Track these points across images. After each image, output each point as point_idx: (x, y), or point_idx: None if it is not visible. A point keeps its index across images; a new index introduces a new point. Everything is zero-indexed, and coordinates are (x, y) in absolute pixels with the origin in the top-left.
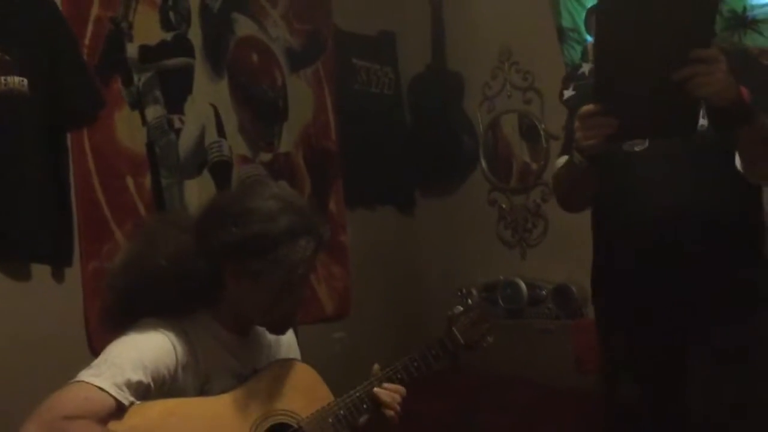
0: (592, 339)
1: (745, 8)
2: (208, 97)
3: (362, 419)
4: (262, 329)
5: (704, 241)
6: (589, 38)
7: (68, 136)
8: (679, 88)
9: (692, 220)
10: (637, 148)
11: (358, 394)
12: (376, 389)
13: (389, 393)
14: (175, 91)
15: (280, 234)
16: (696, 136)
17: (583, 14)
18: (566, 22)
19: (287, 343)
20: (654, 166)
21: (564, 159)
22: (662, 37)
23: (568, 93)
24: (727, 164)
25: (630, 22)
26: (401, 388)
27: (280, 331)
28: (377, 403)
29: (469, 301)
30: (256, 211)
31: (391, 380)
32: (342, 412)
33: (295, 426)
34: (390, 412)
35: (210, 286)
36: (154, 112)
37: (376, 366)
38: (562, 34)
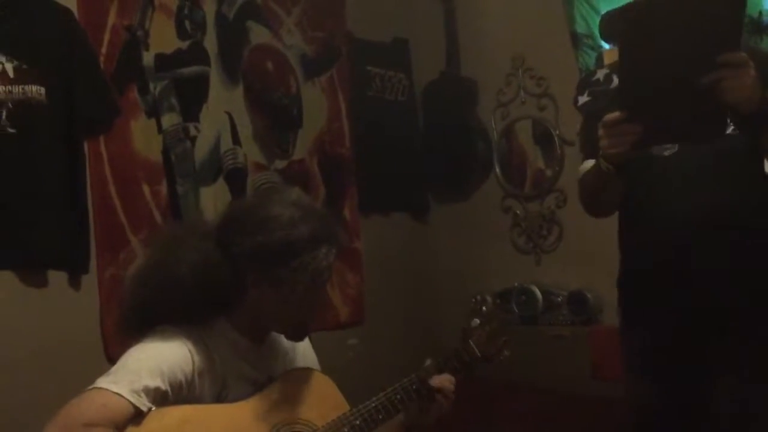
0: (608, 345)
1: (761, 13)
2: (224, 104)
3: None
4: (278, 336)
5: (732, 245)
6: (604, 44)
7: (85, 144)
8: (706, 92)
9: (719, 224)
10: (666, 153)
11: (374, 404)
12: (429, 380)
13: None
14: (191, 99)
15: (302, 241)
16: (725, 140)
17: (597, 20)
18: (580, 28)
19: (303, 350)
20: (683, 170)
21: (589, 164)
22: (689, 41)
23: (582, 99)
24: (756, 168)
25: (657, 27)
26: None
27: (298, 337)
28: (428, 393)
29: (484, 308)
30: (277, 218)
31: (407, 391)
32: (358, 422)
33: None
34: (445, 401)
35: (231, 293)
36: (169, 120)
37: (428, 360)
38: (576, 39)
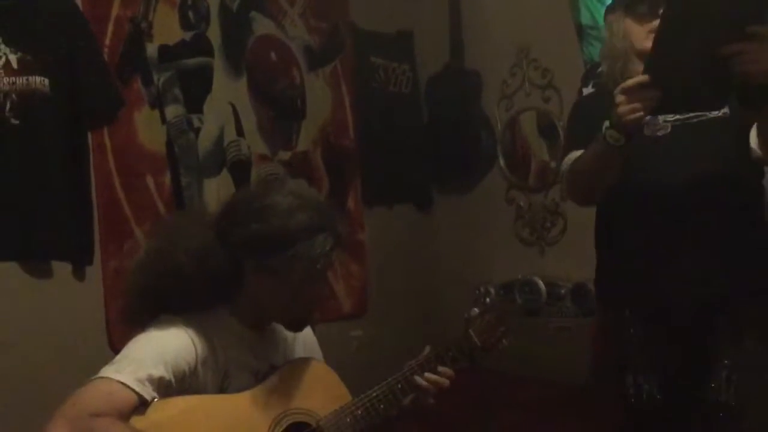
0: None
1: None
2: (227, 96)
3: (407, 397)
4: (278, 325)
5: (718, 227)
6: None
7: (89, 135)
8: (722, 62)
9: (707, 206)
10: (660, 133)
11: (375, 393)
12: (416, 377)
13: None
14: (195, 90)
15: (298, 230)
16: (714, 123)
17: (602, 11)
18: (585, 19)
19: (303, 339)
20: (672, 152)
21: (576, 154)
22: (722, 12)
23: (587, 90)
24: (744, 151)
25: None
26: (448, 373)
27: (297, 328)
28: (414, 389)
29: (487, 300)
30: (274, 207)
31: (408, 380)
32: (359, 411)
33: (314, 425)
34: (430, 399)
35: (230, 282)
36: (173, 111)
37: (427, 347)
38: (580, 31)
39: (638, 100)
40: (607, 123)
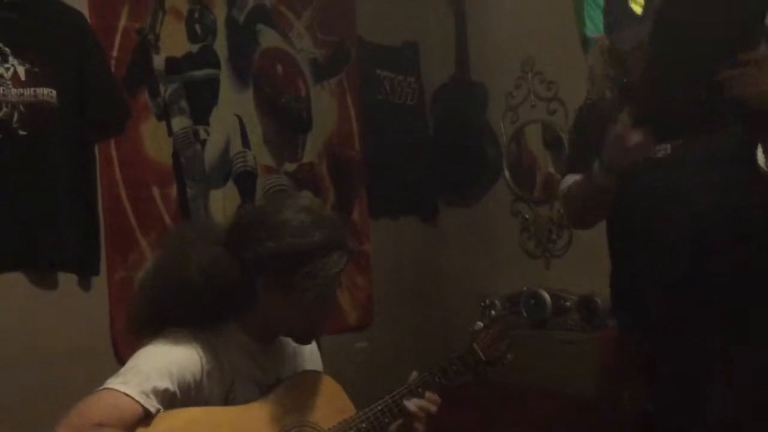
0: (616, 350)
1: None
2: (234, 107)
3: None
4: (285, 338)
5: (728, 243)
6: None
7: (96, 146)
8: (718, 87)
9: (713, 222)
10: (660, 154)
11: (380, 407)
12: (405, 401)
13: (417, 404)
14: (201, 102)
15: (313, 248)
16: (716, 139)
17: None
18: (590, 32)
19: (309, 352)
20: (674, 173)
21: (572, 178)
22: (711, 37)
23: None
24: (747, 167)
25: (686, 25)
26: (434, 399)
27: (306, 340)
28: (403, 414)
29: (492, 312)
30: (287, 224)
31: (413, 394)
32: (364, 425)
33: None
34: (418, 425)
35: (239, 297)
36: (180, 123)
37: (414, 373)
38: (585, 43)
39: (630, 145)
40: (597, 165)
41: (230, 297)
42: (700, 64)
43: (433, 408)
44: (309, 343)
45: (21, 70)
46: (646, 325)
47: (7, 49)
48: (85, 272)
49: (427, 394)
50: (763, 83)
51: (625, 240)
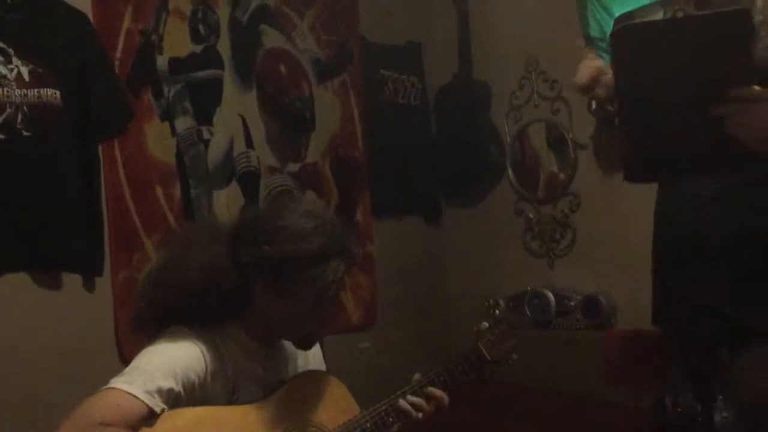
0: (621, 350)
1: None
2: (237, 108)
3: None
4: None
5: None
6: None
7: (99, 147)
8: (713, 127)
9: (742, 234)
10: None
11: (384, 407)
12: (401, 401)
13: (415, 403)
14: (205, 102)
15: (311, 255)
16: None
17: (611, 23)
18: (594, 32)
19: (312, 352)
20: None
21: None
22: (692, 71)
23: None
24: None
25: (655, 55)
26: (437, 395)
27: (305, 346)
28: (403, 415)
29: (497, 312)
30: (287, 229)
31: (416, 394)
32: (368, 424)
33: None
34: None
35: (240, 298)
36: (183, 123)
37: (416, 375)
38: (589, 42)
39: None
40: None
41: (229, 298)
42: (690, 102)
43: (428, 407)
44: (309, 348)
45: (25, 71)
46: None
47: (10, 50)
48: (89, 273)
49: (430, 389)
50: (757, 126)
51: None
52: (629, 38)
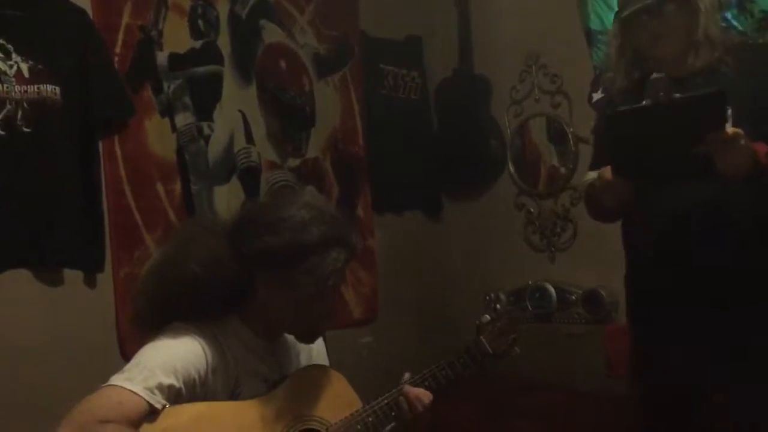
0: (622, 343)
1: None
2: (237, 103)
3: (390, 426)
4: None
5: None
6: None
7: (100, 143)
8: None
9: (717, 219)
10: None
11: (386, 401)
12: (402, 396)
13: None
14: (205, 98)
15: (311, 245)
16: None
17: (611, 17)
18: (594, 25)
19: (316, 348)
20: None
21: (594, 175)
22: (677, 137)
23: (597, 96)
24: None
25: (646, 135)
26: (428, 394)
27: (308, 339)
28: (404, 410)
29: (498, 306)
30: (287, 220)
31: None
32: (370, 419)
33: None
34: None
35: (241, 292)
36: (183, 119)
37: (407, 374)
38: (590, 36)
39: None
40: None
41: (230, 292)
42: (672, 145)
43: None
44: (312, 342)
45: (24, 68)
46: (654, 317)
47: (10, 47)
48: (91, 269)
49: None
50: (732, 164)
51: (632, 231)
52: (624, 120)
